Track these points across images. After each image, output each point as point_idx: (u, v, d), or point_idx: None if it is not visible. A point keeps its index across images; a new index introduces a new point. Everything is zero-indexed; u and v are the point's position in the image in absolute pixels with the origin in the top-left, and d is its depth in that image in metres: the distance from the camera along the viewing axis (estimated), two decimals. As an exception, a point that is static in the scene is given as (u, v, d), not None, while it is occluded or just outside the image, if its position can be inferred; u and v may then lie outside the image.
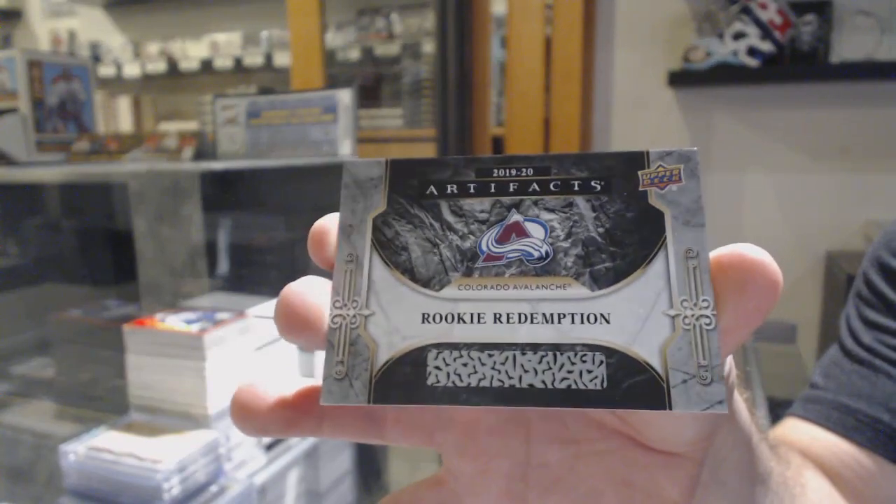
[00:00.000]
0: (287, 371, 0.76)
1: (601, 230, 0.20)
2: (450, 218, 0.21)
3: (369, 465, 0.85)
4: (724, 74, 1.88)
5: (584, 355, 0.18)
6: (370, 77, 2.66)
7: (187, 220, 0.88)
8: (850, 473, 0.43)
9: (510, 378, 0.18)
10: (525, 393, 0.18)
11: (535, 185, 0.21)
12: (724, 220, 2.09)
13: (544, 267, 0.20)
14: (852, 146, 1.92)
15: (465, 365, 0.19)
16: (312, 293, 0.20)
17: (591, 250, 0.20)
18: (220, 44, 2.95)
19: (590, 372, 0.18)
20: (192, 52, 3.05)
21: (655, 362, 0.18)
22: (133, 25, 3.24)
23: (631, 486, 0.22)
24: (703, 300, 0.18)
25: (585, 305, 0.19)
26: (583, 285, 0.19)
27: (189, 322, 0.66)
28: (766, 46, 1.81)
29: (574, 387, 0.18)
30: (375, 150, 2.25)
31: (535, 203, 0.20)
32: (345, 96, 1.23)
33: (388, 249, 0.20)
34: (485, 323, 0.19)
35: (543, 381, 0.18)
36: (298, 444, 0.77)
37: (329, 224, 0.21)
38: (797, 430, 0.46)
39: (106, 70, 3.12)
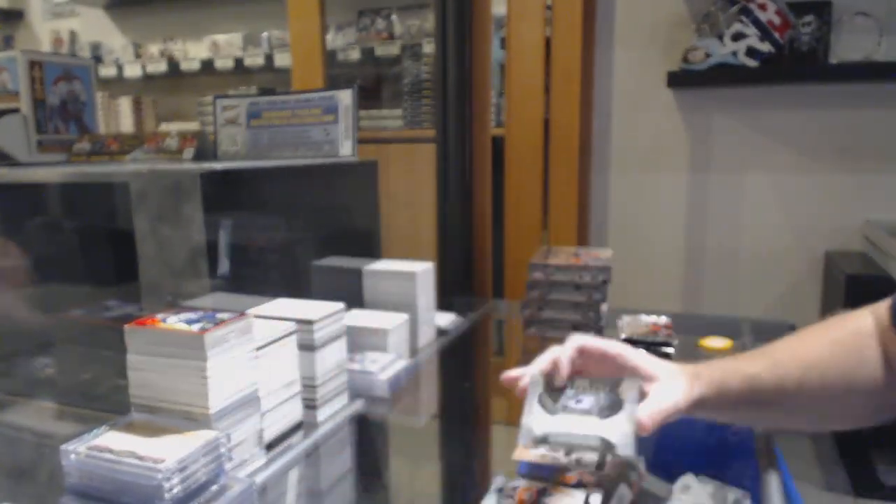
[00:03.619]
0: (287, 372, 0.76)
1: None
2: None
3: (369, 465, 0.85)
4: (724, 75, 1.89)
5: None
6: (370, 78, 2.66)
7: (188, 221, 0.89)
8: None
9: None
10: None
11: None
12: (724, 220, 2.09)
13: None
14: (851, 146, 1.93)
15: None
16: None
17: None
18: (221, 44, 2.96)
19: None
20: (192, 53, 3.05)
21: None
22: (134, 26, 3.24)
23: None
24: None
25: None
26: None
27: (190, 322, 0.66)
28: (766, 47, 1.82)
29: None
30: (376, 150, 2.25)
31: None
32: (345, 97, 1.23)
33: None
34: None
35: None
36: (299, 444, 0.78)
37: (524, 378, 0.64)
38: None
39: (107, 71, 3.12)
